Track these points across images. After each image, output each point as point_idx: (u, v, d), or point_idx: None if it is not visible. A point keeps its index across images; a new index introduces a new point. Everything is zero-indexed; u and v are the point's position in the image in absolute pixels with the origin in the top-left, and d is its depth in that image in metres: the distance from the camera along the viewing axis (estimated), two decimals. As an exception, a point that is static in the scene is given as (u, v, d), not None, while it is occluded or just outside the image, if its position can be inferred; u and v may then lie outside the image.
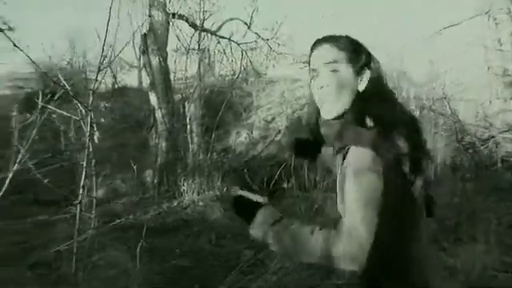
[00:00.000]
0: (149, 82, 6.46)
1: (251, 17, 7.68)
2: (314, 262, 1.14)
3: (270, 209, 1.24)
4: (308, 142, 1.53)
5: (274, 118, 9.77)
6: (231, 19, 7.93)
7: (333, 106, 1.25)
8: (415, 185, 1.17)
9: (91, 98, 2.71)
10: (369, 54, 1.28)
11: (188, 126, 6.44)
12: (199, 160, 5.92)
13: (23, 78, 12.33)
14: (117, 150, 7.33)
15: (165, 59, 6.47)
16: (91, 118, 2.68)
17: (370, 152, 1.10)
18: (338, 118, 1.25)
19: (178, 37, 7.11)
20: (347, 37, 1.29)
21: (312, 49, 1.31)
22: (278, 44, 8.29)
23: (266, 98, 10.34)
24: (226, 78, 9.07)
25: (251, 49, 8.22)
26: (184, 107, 6.53)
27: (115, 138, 8.16)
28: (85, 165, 2.64)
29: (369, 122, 1.17)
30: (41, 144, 6.16)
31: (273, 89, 10.86)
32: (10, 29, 6.62)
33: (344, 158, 1.17)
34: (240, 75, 8.20)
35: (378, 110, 1.19)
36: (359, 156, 1.12)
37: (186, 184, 5.50)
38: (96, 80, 2.87)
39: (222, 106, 7.07)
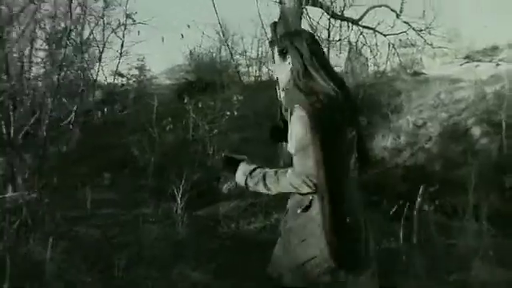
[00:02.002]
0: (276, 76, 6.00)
1: (402, 3, 6.65)
2: (280, 191, 1.68)
3: (248, 162, 1.78)
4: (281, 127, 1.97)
5: (425, 123, 8.59)
6: (376, 6, 6.98)
7: (280, 80, 1.85)
8: (347, 135, 1.67)
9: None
10: (291, 43, 1.76)
11: None
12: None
13: (185, 70, 13.25)
14: (239, 145, 7.09)
15: None
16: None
17: (300, 108, 1.60)
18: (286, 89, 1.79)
19: (311, 26, 6.42)
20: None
21: None
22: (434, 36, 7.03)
23: (417, 99, 9.16)
24: (368, 75, 8.24)
25: (406, 45, 7.13)
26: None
27: (241, 132, 7.95)
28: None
29: (303, 88, 1.67)
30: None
31: (427, 89, 9.59)
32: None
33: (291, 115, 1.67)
34: (386, 72, 7.23)
35: (305, 79, 1.69)
36: (295, 112, 1.63)
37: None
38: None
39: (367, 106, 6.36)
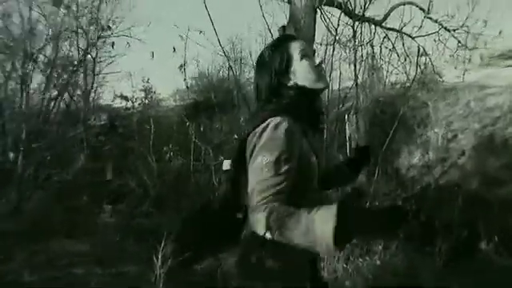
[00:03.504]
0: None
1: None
2: None
3: None
4: None
5: (455, 136, 7.74)
6: (402, 4, 6.15)
7: None
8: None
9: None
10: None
11: (347, 146, 5.11)
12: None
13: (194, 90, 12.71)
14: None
15: None
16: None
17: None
18: None
19: (328, 28, 5.50)
20: None
21: None
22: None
23: (445, 109, 8.31)
24: (397, 85, 7.44)
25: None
26: (342, 122, 5.19)
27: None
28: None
29: None
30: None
31: (454, 98, 8.74)
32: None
33: None
34: (416, 80, 6.38)
35: None
36: None
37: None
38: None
39: (390, 120, 5.58)
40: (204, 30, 5.03)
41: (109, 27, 8.51)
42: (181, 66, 4.58)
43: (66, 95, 9.18)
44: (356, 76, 5.71)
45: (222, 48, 4.43)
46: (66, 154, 8.40)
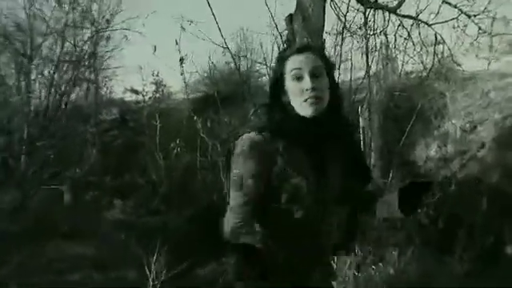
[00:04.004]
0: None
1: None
2: None
3: None
4: None
5: (475, 127, 7.41)
6: None
7: None
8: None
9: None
10: None
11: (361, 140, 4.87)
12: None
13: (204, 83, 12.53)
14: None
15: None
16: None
17: None
18: None
19: (338, 16, 5.19)
20: None
21: None
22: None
23: (464, 99, 7.97)
24: (412, 76, 7.14)
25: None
26: (356, 115, 4.94)
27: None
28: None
29: None
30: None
31: (473, 87, 8.37)
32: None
33: None
34: (433, 70, 6.05)
35: None
36: None
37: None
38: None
39: (405, 113, 5.32)
40: (211, 21, 4.80)
41: (107, 21, 8.33)
42: (181, 59, 4.39)
43: (75, 90, 9.14)
44: (368, 66, 5.45)
45: (224, 39, 4.19)
46: (76, 150, 8.36)
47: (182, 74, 4.59)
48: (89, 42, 8.50)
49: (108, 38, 9.06)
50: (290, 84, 1.38)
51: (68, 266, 3.33)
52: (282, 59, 1.43)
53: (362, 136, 5.10)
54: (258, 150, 1.32)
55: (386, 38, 5.51)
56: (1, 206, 4.22)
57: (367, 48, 5.07)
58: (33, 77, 6.87)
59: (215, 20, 4.21)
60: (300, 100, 1.35)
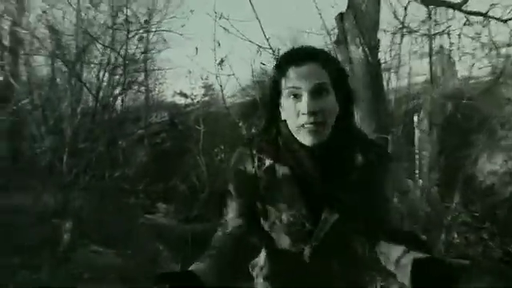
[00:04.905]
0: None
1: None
2: None
3: None
4: None
5: (548, 138, 6.67)
6: None
7: None
8: None
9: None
10: None
11: (416, 153, 4.44)
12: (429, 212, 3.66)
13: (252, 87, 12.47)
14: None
15: (374, 51, 4.07)
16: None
17: None
18: None
19: (394, 14, 4.72)
20: None
21: None
22: None
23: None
24: (476, 80, 6.54)
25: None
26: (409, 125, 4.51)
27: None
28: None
29: None
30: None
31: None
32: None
33: None
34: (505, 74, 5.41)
35: None
36: None
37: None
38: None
39: (468, 122, 4.82)
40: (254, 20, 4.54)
41: (146, 21, 8.39)
42: (221, 61, 4.21)
43: (126, 92, 9.35)
44: (431, 69, 4.97)
45: (267, 39, 3.90)
46: (124, 152, 8.51)
47: (217, 77, 4.39)
48: (139, 45, 8.63)
49: (155, 41, 9.18)
50: (285, 102, 1.14)
51: (94, 275, 3.25)
52: (279, 69, 1.16)
53: (416, 147, 4.69)
54: (239, 170, 1.21)
55: (449, 37, 4.88)
56: (42, 210, 4.27)
57: (431, 48, 4.55)
58: (82, 79, 7.03)
59: (257, 19, 3.94)
60: (297, 124, 1.11)
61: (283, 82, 1.14)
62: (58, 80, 6.26)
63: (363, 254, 1.21)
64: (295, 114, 1.11)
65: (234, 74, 4.20)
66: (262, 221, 1.23)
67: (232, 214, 1.21)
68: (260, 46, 3.86)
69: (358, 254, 1.22)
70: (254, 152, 1.19)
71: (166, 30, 9.27)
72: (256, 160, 1.18)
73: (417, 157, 4.19)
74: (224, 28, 4.01)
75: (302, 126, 1.10)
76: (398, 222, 1.30)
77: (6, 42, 9.06)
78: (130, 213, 5.02)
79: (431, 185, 3.86)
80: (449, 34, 4.70)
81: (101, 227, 3.90)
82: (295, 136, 1.13)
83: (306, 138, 1.11)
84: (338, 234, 1.16)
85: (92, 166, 5.14)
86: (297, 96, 1.11)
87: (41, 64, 7.00)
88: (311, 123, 1.08)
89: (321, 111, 1.09)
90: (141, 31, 7.95)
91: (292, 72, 1.12)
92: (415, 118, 4.71)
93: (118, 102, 9.05)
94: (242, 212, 1.21)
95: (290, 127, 1.14)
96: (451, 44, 4.87)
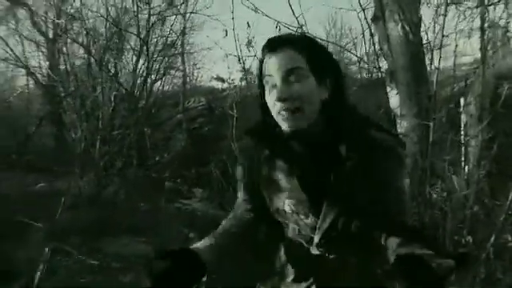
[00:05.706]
0: (386, 67, 4.09)
1: None
2: None
3: None
4: None
5: None
6: None
7: None
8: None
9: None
10: None
11: (462, 138, 4.05)
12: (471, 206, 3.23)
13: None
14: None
15: (415, 27, 3.71)
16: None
17: None
18: None
19: None
20: None
21: None
22: None
23: None
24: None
25: None
26: (454, 109, 4.11)
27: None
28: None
29: None
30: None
31: None
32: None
33: None
34: None
35: None
36: None
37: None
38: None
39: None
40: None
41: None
42: (249, 42, 4.01)
43: (164, 77, 9.41)
44: (481, 45, 4.48)
45: (297, 19, 3.61)
46: (162, 137, 8.61)
47: (239, 60, 4.20)
48: (176, 30, 8.63)
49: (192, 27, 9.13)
50: (267, 93, 1.12)
51: (123, 265, 3.24)
52: (260, 60, 1.15)
53: (462, 135, 4.29)
54: (241, 155, 1.28)
55: (507, 8, 4.30)
56: (77, 196, 4.34)
57: (482, 21, 4.07)
58: (119, 66, 7.11)
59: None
60: (274, 111, 1.10)
61: (263, 71, 1.13)
62: (93, 67, 6.36)
63: (376, 247, 1.05)
64: (273, 103, 1.10)
65: (256, 56, 3.95)
66: (270, 209, 1.22)
67: (241, 200, 1.27)
68: (283, 25, 3.60)
69: (369, 248, 1.09)
70: (255, 142, 1.22)
71: (216, 19, 9.22)
72: (258, 150, 1.21)
73: (463, 146, 3.80)
74: (254, 7, 3.81)
75: (279, 113, 1.09)
76: (406, 216, 1.09)
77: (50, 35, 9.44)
78: (163, 198, 5.03)
79: (480, 178, 3.43)
80: (507, 3, 4.18)
81: (132, 215, 3.91)
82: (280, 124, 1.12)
83: (283, 125, 1.10)
84: (343, 226, 1.10)
85: (123, 152, 5.20)
86: (274, 86, 1.09)
87: (76, 54, 7.16)
88: (284, 110, 1.07)
89: (295, 97, 1.06)
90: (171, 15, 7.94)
91: (268, 60, 1.11)
92: (461, 102, 4.32)
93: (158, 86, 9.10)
94: (249, 199, 1.25)
95: (274, 116, 1.12)
96: (509, 15, 4.35)
